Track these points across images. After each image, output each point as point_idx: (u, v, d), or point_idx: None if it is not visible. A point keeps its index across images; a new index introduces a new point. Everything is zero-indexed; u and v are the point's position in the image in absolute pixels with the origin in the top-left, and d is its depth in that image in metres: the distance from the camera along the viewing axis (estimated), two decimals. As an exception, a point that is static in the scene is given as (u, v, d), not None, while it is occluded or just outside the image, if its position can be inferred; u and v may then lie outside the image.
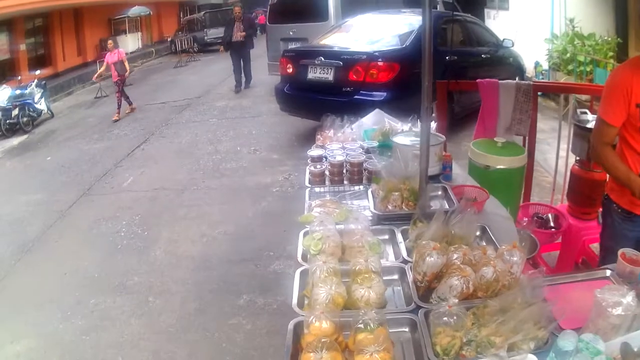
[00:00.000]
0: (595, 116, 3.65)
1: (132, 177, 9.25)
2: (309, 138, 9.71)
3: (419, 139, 3.85)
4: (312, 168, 4.17)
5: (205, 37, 31.44)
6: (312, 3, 13.79)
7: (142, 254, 6.58)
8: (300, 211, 6.31)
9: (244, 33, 16.25)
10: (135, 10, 32.95)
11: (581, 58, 11.87)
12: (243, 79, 16.59)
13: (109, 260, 6.52)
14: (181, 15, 44.13)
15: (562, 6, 13.69)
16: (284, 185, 8.22)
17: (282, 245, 6.28)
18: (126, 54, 28.32)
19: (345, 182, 4.11)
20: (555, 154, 5.74)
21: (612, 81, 3.21)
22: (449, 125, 9.67)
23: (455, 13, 11.53)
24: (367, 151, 4.38)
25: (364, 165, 4.07)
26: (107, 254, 6.66)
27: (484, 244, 2.97)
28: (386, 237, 3.15)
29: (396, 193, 3.47)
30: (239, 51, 16.43)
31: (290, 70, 9.97)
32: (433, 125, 4.97)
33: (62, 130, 14.09)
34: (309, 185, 4.08)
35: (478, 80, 5.56)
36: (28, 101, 15.24)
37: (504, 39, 11.81)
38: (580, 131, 4.73)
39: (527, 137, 5.38)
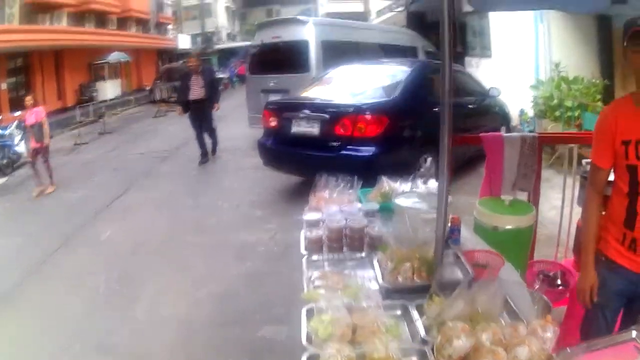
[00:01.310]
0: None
1: (111, 229, 8.82)
2: (292, 195, 9.67)
3: (422, 200, 3.78)
4: (308, 233, 3.80)
5: (184, 87, 31.08)
6: (293, 54, 13.62)
7: (121, 314, 6.13)
8: (286, 273, 5.81)
9: (203, 89, 13.29)
10: (114, 56, 33.21)
11: (568, 103, 11.60)
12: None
13: (88, 319, 6.08)
14: (160, 64, 44.09)
15: (546, 51, 13.60)
16: (269, 244, 7.81)
17: (268, 309, 5.90)
18: (106, 100, 28.54)
19: (345, 248, 3.74)
20: (552, 205, 5.44)
21: (598, 123, 3.20)
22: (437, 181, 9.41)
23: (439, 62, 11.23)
24: (367, 214, 4.03)
25: (366, 230, 3.71)
26: (85, 312, 6.23)
27: (505, 315, 2.67)
28: (398, 312, 2.83)
29: (407, 263, 3.16)
30: (200, 112, 13.43)
31: (273, 124, 9.61)
32: (434, 183, 4.64)
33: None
34: (305, 253, 3.72)
35: (482, 135, 5.23)
36: (8, 143, 14.91)
37: (490, 88, 11.61)
38: (585, 182, 4.40)
39: (530, 193, 5.11)
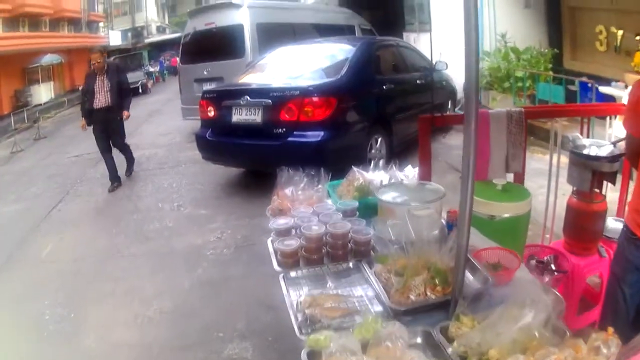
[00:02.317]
0: (590, 140, 3.84)
1: (51, 244, 7.83)
2: (235, 187, 9.18)
3: (409, 193, 3.21)
4: (281, 246, 3.04)
5: (115, 84, 30.18)
6: (227, 39, 12.73)
7: (71, 343, 5.25)
8: (239, 278, 5.71)
9: (109, 94, 9.99)
10: (47, 59, 32.35)
11: (519, 74, 11.13)
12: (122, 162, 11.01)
13: (35, 354, 5.21)
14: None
15: (491, 22, 13.27)
16: (217, 246, 7.01)
17: (231, 323, 5.14)
18: (41, 104, 27.54)
19: (325, 259, 3.09)
20: (532, 185, 4.74)
21: (632, 93, 2.91)
22: (388, 160, 8.76)
23: (385, 38, 10.53)
24: (345, 214, 3.36)
25: (350, 235, 3.07)
26: (32, 345, 5.33)
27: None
28: (418, 340, 2.26)
29: (418, 277, 2.55)
30: (106, 124, 10.20)
31: (211, 114, 8.74)
32: (413, 171, 4.07)
33: (-23, 190, 12.57)
34: (279, 270, 2.99)
35: (464, 112, 4.37)
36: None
37: (436, 62, 11.00)
38: (578, 159, 4.02)
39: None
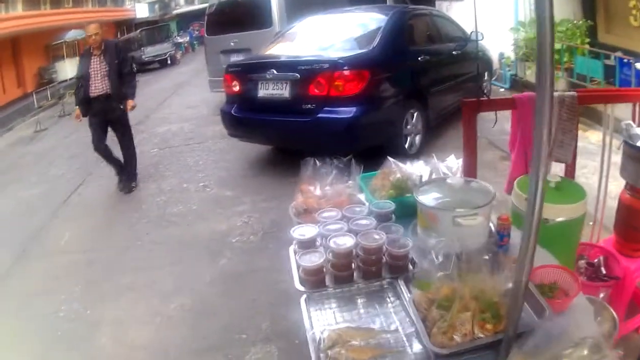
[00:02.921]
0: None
1: (69, 231, 7.34)
2: (263, 165, 8.64)
3: (454, 194, 2.69)
4: (304, 262, 2.52)
5: (143, 56, 30.18)
6: (253, 9, 12.09)
7: (86, 343, 4.81)
8: (266, 270, 5.37)
9: (106, 79, 8.10)
10: (71, 34, 31.57)
11: (557, 46, 10.40)
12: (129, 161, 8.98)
13: (45, 357, 4.77)
14: (118, 36, 42.49)
15: None
16: (244, 232, 6.48)
17: (255, 322, 4.67)
18: (66, 80, 27.15)
19: (356, 275, 2.57)
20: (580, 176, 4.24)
21: None
22: (424, 135, 8.17)
23: (418, 6, 9.86)
24: (379, 218, 2.85)
25: (384, 248, 2.55)
26: (43, 346, 4.87)
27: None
28: None
29: (466, 314, 2.06)
30: (104, 114, 8.33)
31: (236, 89, 8.14)
32: (456, 163, 3.48)
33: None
34: (302, 289, 2.55)
35: (514, 96, 3.87)
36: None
37: (472, 32, 10.27)
38: (635, 152, 3.40)
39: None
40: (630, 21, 10.08)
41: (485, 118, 10.44)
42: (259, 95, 7.71)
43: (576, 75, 9.99)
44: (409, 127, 7.90)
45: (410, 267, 2.53)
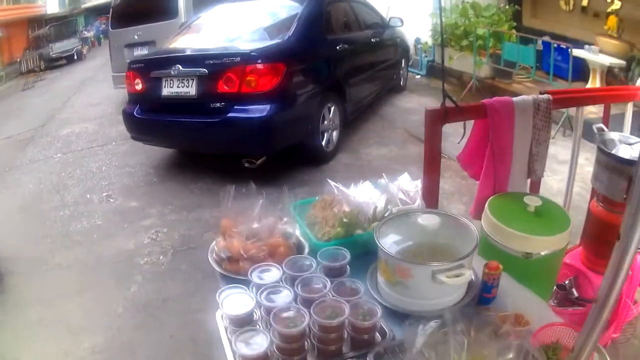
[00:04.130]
0: (618, 134, 3.09)
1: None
2: (169, 169, 7.92)
3: (424, 234, 2.17)
4: (244, 350, 1.85)
5: (51, 53, 28.60)
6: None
7: None
8: (182, 297, 4.82)
9: None
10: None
11: (481, 31, 10.01)
12: None
13: None
14: (30, 33, 40.92)
15: None
16: (152, 252, 5.70)
17: None
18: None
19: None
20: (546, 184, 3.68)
21: None
22: (342, 130, 7.60)
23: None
24: (331, 273, 2.25)
25: (347, 319, 1.93)
26: None
27: None
28: None
29: None
30: None
31: (139, 87, 7.23)
32: (414, 186, 2.79)
33: None
34: None
35: (485, 101, 3.14)
36: None
37: (390, 18, 9.90)
38: (611, 161, 2.94)
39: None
40: (560, 6, 9.96)
41: (402, 107, 10.06)
42: (163, 94, 6.86)
43: (504, 62, 9.59)
44: (325, 122, 7.24)
45: (379, 337, 1.97)
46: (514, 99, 3.08)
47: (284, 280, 2.18)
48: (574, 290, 3.32)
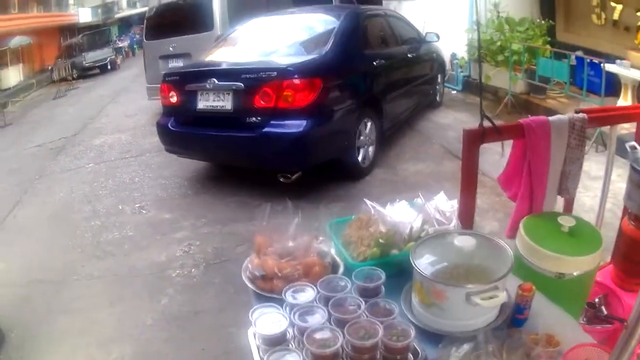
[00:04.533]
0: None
1: (4, 262, 6.37)
2: (203, 182, 7.99)
3: (459, 256, 2.11)
4: None
5: (84, 62, 28.91)
6: (193, 11, 11.12)
7: None
8: (214, 311, 4.74)
9: None
10: (16, 41, 30.31)
11: (516, 47, 9.90)
12: None
13: None
14: (62, 41, 41.26)
15: None
16: (185, 264, 5.65)
17: None
18: (10, 88, 25.95)
19: None
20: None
21: None
22: (378, 146, 7.52)
23: (371, 7, 9.14)
24: (365, 292, 2.20)
25: (380, 341, 1.87)
26: None
27: None
28: None
29: None
30: None
31: (174, 100, 7.21)
32: (450, 206, 2.69)
33: None
34: None
35: (522, 121, 3.08)
36: None
37: (426, 33, 9.83)
38: None
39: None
40: (592, 19, 9.74)
41: (439, 123, 9.97)
42: (198, 108, 6.82)
43: (538, 78, 9.42)
44: (362, 138, 7.16)
45: (411, 358, 1.90)
46: (550, 118, 3.02)
47: (318, 300, 2.14)
48: (603, 308, 3.25)
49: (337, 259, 2.50)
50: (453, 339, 1.89)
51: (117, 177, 8.71)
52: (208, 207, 6.89)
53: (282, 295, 2.15)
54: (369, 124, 7.26)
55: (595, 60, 8.14)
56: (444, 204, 2.66)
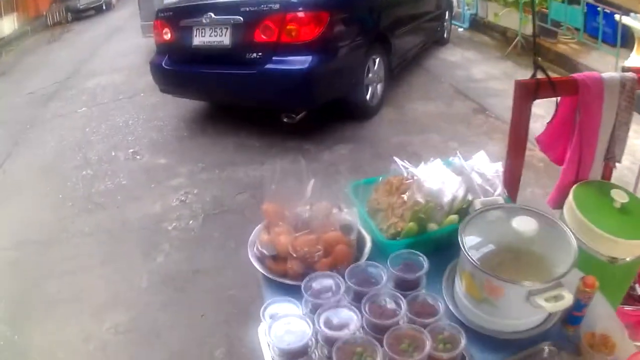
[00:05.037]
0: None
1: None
2: (201, 123, 7.54)
3: (518, 239, 1.70)
4: None
5: (78, 4, 27.93)
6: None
7: None
8: (215, 270, 4.34)
9: None
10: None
11: None
12: None
13: None
14: (58, -16, 40.46)
15: None
16: (181, 216, 5.20)
17: (208, 350, 3.58)
18: (4, 38, 25.26)
19: None
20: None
21: None
22: (386, 84, 7.12)
23: None
24: (403, 285, 1.76)
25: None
26: None
27: None
28: None
29: None
30: None
31: (168, 37, 6.71)
32: (493, 169, 2.28)
33: None
34: None
35: (576, 76, 2.65)
36: None
37: None
38: None
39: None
40: None
41: (447, 60, 9.45)
42: (194, 44, 6.32)
43: (550, 21, 9.01)
44: (370, 75, 6.69)
45: None
46: (603, 75, 2.61)
47: (346, 293, 1.71)
48: (637, 287, 2.95)
49: (363, 231, 2.05)
50: (505, 346, 1.63)
51: (109, 121, 8.20)
52: (206, 150, 6.49)
53: (302, 290, 1.70)
54: (377, 61, 6.82)
55: (608, 10, 7.78)
56: (486, 166, 2.24)
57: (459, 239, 1.70)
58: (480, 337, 1.65)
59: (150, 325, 3.92)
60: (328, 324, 1.54)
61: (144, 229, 5.11)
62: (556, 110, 2.69)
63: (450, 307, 1.72)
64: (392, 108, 7.22)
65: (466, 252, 1.64)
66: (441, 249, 1.90)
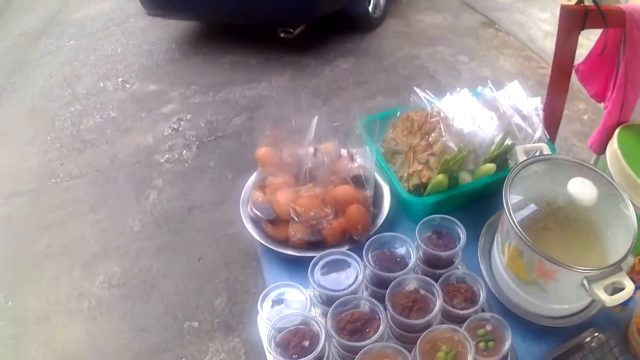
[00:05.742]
0: None
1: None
2: (193, 43, 6.90)
3: (583, 212, 1.40)
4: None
5: None
6: None
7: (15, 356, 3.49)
8: (212, 206, 4.06)
9: None
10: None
11: None
12: None
13: None
14: None
15: None
16: (174, 146, 4.85)
17: (207, 299, 3.41)
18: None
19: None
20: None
21: None
22: None
23: None
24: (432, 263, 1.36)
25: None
26: None
27: None
28: None
29: None
30: None
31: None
32: (533, 104, 1.95)
33: None
34: None
35: (624, 7, 2.16)
36: None
37: None
38: None
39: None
40: None
41: None
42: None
43: None
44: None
45: None
46: None
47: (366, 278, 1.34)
48: None
49: (379, 179, 1.66)
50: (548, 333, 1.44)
51: (98, 51, 7.74)
52: (199, 71, 6.06)
53: (309, 274, 1.34)
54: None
55: None
56: (523, 101, 1.84)
57: (504, 204, 1.37)
58: (521, 323, 1.43)
59: (144, 275, 3.63)
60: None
61: (135, 163, 4.78)
62: (598, 40, 2.30)
63: (490, 285, 1.47)
64: (396, 19, 6.78)
65: (515, 225, 1.32)
66: (472, 201, 1.64)
